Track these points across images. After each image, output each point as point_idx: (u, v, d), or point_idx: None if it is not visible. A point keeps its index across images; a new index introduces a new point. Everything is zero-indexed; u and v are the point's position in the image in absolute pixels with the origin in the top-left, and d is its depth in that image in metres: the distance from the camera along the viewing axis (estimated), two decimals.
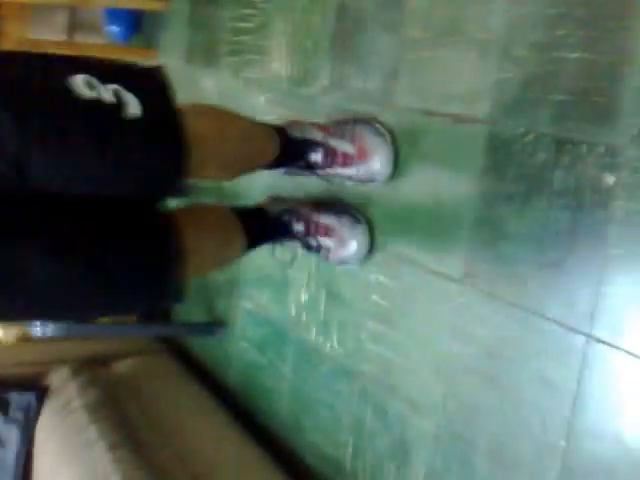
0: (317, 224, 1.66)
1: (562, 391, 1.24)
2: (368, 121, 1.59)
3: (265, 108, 2.02)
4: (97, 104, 1.12)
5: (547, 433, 1.26)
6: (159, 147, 1.19)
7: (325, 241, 1.66)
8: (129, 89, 1.16)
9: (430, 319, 1.50)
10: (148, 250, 1.27)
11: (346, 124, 1.60)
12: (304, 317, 1.88)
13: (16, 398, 2.12)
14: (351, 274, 1.71)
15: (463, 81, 1.40)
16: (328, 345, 1.78)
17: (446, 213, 1.46)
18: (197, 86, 2.41)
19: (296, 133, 1.58)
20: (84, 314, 1.51)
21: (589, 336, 1.20)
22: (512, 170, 1.31)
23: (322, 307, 1.81)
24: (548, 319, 1.26)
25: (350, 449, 1.73)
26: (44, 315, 1.52)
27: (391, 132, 1.56)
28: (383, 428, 1.62)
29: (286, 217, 1.68)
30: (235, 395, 2.19)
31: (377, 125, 1.58)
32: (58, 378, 2.16)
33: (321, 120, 1.66)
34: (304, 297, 1.88)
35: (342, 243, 1.65)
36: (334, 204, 1.71)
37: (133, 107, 1.15)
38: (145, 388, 2.15)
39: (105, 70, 1.20)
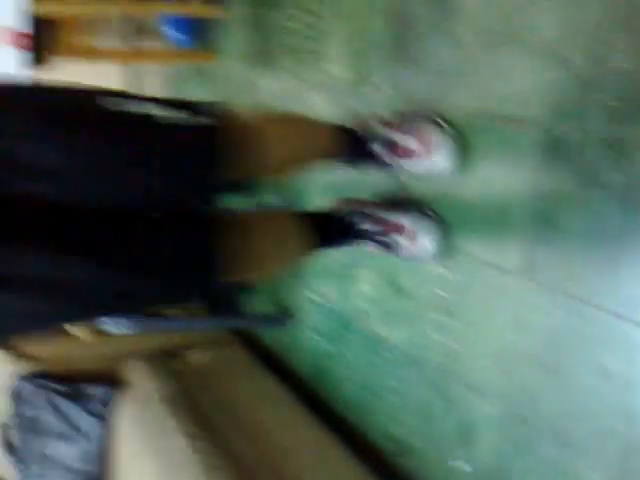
0: (387, 222, 1.71)
1: (616, 377, 1.30)
2: (430, 117, 1.64)
3: (323, 108, 2.10)
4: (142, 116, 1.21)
5: (606, 418, 1.32)
6: (202, 152, 1.26)
7: (397, 238, 1.70)
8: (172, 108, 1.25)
9: (491, 310, 1.57)
10: (195, 248, 1.31)
11: (408, 120, 1.65)
12: (368, 308, 1.96)
13: (95, 391, 2.23)
14: (413, 267, 1.78)
15: (517, 82, 1.46)
16: (393, 335, 1.86)
17: (504, 208, 1.52)
18: (257, 88, 2.50)
19: (358, 129, 1.63)
20: (134, 308, 1.60)
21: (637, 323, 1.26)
22: (566, 168, 1.36)
23: (385, 299, 1.89)
24: (601, 309, 1.32)
25: (417, 432, 1.81)
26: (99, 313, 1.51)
27: (453, 128, 1.61)
28: (449, 412, 1.70)
29: (355, 218, 1.72)
30: (305, 383, 2.28)
31: (439, 121, 1.63)
32: (134, 371, 2.27)
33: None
34: (368, 289, 1.95)
35: (414, 240, 1.69)
36: (401, 202, 1.77)
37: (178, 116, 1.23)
38: (218, 379, 2.24)
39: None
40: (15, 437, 2.38)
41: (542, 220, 1.43)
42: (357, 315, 2.00)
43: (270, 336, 2.50)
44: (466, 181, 1.61)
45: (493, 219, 1.55)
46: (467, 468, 1.67)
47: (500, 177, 1.52)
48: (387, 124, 1.64)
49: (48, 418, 2.25)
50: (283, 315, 2.38)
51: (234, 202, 2.15)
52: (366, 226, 1.70)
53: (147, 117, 1.21)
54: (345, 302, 2.05)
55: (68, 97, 1.21)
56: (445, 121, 1.62)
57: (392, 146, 1.62)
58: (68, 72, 2.81)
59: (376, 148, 1.63)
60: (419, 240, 1.67)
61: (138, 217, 1.25)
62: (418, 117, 1.65)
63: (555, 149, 1.38)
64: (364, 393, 2.01)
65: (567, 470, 1.41)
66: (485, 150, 1.56)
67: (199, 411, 2.01)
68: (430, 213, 1.70)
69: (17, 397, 2.35)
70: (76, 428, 2.19)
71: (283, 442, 1.95)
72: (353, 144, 1.62)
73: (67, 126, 1.14)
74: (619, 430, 1.30)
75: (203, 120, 1.27)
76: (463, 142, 1.59)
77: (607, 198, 1.29)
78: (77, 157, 1.14)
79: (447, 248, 1.67)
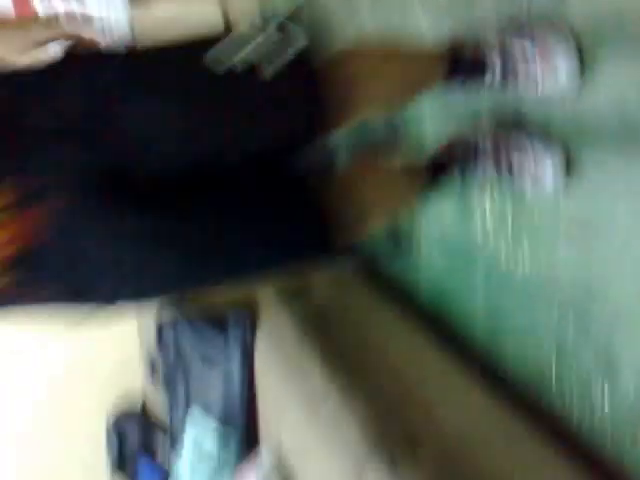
0: (507, 154, 1.60)
1: None
2: (549, 23, 1.50)
3: (427, 24, 1.96)
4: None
5: None
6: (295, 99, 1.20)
7: (516, 171, 1.61)
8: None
9: (626, 234, 1.46)
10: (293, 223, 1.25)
11: (524, 27, 1.52)
12: (492, 241, 1.87)
13: (233, 317, 2.29)
14: (537, 196, 1.67)
15: None
16: (520, 268, 1.78)
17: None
18: (355, 14, 2.36)
19: (466, 50, 1.52)
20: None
21: None
22: None
23: (509, 230, 1.79)
24: None
25: (554, 367, 1.73)
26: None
27: (573, 33, 1.47)
28: (586, 343, 1.62)
29: (471, 160, 1.64)
30: (428, 319, 2.22)
31: (560, 26, 1.49)
32: (265, 304, 2.34)
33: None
34: (490, 221, 1.86)
35: (537, 169, 1.58)
36: (519, 127, 1.63)
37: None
38: (345, 315, 2.26)
39: None
40: (160, 363, 2.53)
41: None
42: (479, 249, 1.92)
43: (390, 272, 2.43)
44: (591, 96, 1.47)
45: (625, 137, 1.41)
46: (605, 408, 1.60)
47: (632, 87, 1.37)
48: (498, 36, 1.52)
49: (191, 343, 2.36)
50: (400, 247, 2.30)
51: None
52: (484, 165, 1.62)
53: (243, 76, 1.15)
54: (466, 235, 1.96)
55: (167, 59, 1.17)
56: (566, 26, 1.47)
57: (506, 56, 1.49)
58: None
59: (491, 60, 1.51)
60: (543, 169, 1.56)
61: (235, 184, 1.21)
62: (535, 24, 1.51)
63: None
64: (493, 329, 1.95)
65: None
66: (612, 59, 1.41)
67: (331, 345, 2.04)
68: (551, 139, 1.57)
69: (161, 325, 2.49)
70: (217, 352, 2.26)
71: (414, 372, 1.95)
72: (464, 64, 1.51)
73: (163, 94, 1.13)
74: None
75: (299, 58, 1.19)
76: (587, 53, 1.45)
77: None
78: (173, 126, 1.12)
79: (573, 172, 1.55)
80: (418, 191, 1.59)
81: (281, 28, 1.21)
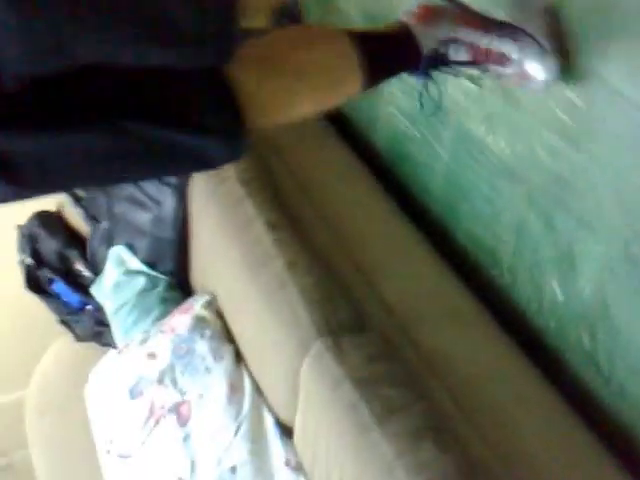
0: (488, 52, 1.43)
1: None
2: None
3: None
4: None
5: None
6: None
7: (499, 69, 1.45)
8: None
9: (616, 143, 1.40)
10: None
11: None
12: (470, 107, 1.75)
13: None
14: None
15: None
16: (493, 141, 1.70)
17: None
18: None
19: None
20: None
21: None
22: None
23: (495, 104, 1.68)
24: None
25: (511, 247, 1.72)
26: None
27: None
28: (549, 238, 1.60)
29: (443, 48, 1.41)
30: (384, 162, 2.16)
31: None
32: None
33: None
34: (474, 87, 1.73)
35: (523, 76, 1.45)
36: (510, 25, 1.45)
37: None
38: (300, 156, 2.10)
39: None
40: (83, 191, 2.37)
41: None
42: (454, 108, 1.79)
43: (348, 106, 2.26)
44: None
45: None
46: (560, 296, 1.60)
47: None
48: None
49: None
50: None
51: None
52: (458, 56, 1.42)
53: None
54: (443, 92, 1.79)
55: None
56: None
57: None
58: None
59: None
60: (531, 74, 1.43)
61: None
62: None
63: None
64: (452, 191, 1.89)
65: None
66: None
67: (277, 193, 1.91)
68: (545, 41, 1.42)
69: None
70: (148, 195, 2.12)
71: (363, 232, 1.89)
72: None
73: None
74: None
75: None
76: None
77: None
78: None
79: (576, 69, 1.43)
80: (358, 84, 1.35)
81: None
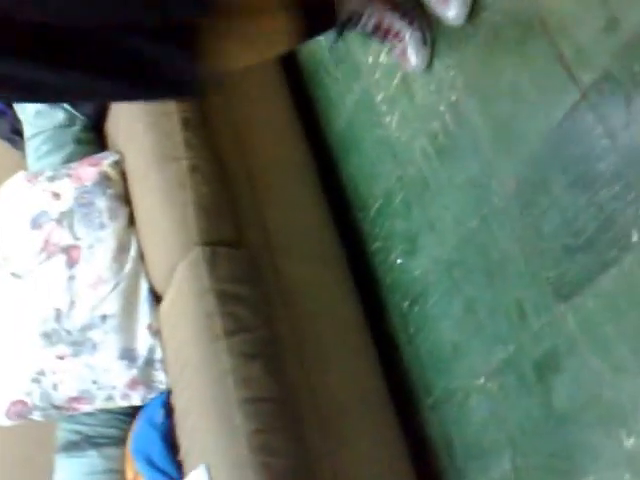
0: (388, 28, 1.74)
1: None
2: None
3: None
4: None
5: None
6: None
7: (392, 41, 1.77)
8: None
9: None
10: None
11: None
12: (380, 79, 1.99)
13: None
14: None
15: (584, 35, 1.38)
16: (389, 122, 1.96)
17: None
18: None
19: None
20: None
21: None
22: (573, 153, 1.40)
23: (398, 88, 1.93)
24: None
25: (376, 205, 2.05)
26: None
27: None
28: (404, 218, 1.95)
29: (356, 17, 1.71)
30: (306, 92, 2.38)
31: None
32: None
33: None
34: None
35: (404, 54, 1.77)
36: (411, 12, 1.75)
37: None
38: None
39: None
40: None
41: None
42: (369, 72, 2.03)
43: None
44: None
45: None
46: (399, 262, 1.96)
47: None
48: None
49: None
50: None
51: None
52: (366, 24, 1.72)
53: None
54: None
55: None
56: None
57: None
58: None
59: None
60: (409, 57, 1.78)
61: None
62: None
63: (578, 118, 1.40)
64: (348, 135, 2.18)
65: None
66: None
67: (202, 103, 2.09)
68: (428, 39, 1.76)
69: None
70: None
71: (267, 154, 2.13)
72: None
73: None
74: None
75: None
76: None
77: None
78: None
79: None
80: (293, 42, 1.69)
81: None
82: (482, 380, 1.77)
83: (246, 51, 1.55)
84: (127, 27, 1.37)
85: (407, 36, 1.74)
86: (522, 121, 1.54)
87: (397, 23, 1.74)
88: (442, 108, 1.75)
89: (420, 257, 1.88)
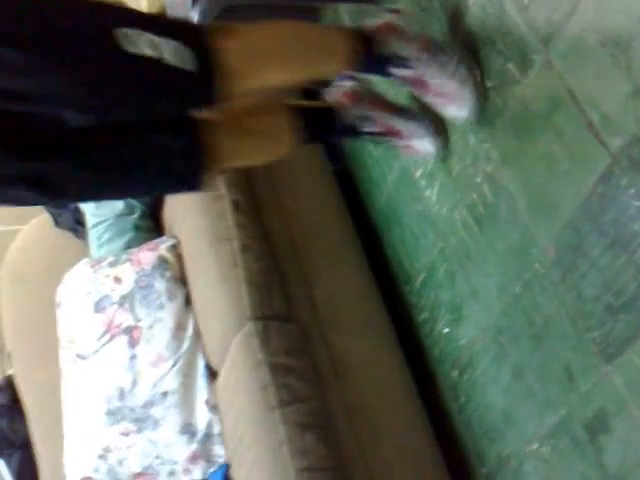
0: (392, 129, 1.83)
1: None
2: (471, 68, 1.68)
3: None
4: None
5: None
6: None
7: (397, 142, 1.87)
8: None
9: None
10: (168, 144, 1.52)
11: (449, 56, 1.68)
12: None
13: None
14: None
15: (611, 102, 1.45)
16: (429, 195, 2.04)
17: None
18: None
19: (383, 47, 1.63)
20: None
21: None
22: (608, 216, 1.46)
23: (436, 164, 2.00)
24: None
25: (421, 277, 2.12)
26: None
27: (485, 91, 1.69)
28: (448, 289, 2.01)
29: (359, 122, 1.82)
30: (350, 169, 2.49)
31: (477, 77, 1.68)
32: None
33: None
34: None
35: (409, 148, 1.89)
36: (408, 111, 1.87)
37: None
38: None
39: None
40: None
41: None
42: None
43: None
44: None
45: None
46: (446, 332, 2.03)
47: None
48: (423, 47, 1.66)
49: None
50: None
51: None
52: (369, 128, 1.83)
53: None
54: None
55: (79, 22, 1.32)
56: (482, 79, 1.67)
57: (418, 80, 1.68)
58: None
59: (398, 72, 1.66)
60: (414, 145, 1.86)
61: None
62: (461, 59, 1.68)
63: (611, 184, 1.45)
64: (389, 211, 2.26)
65: None
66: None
67: (249, 183, 2.22)
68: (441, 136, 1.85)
69: None
70: None
71: (312, 231, 2.24)
72: (371, 61, 1.64)
73: (64, 62, 1.29)
74: None
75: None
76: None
77: None
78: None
79: None
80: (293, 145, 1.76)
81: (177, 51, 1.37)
82: (535, 445, 1.78)
83: (245, 145, 1.67)
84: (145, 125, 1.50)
85: (406, 132, 1.84)
86: (557, 188, 1.60)
87: (397, 123, 1.83)
88: (479, 179, 1.82)
89: (466, 326, 1.93)
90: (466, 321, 1.93)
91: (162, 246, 2.32)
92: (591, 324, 1.57)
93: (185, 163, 1.54)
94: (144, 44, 1.31)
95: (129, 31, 1.31)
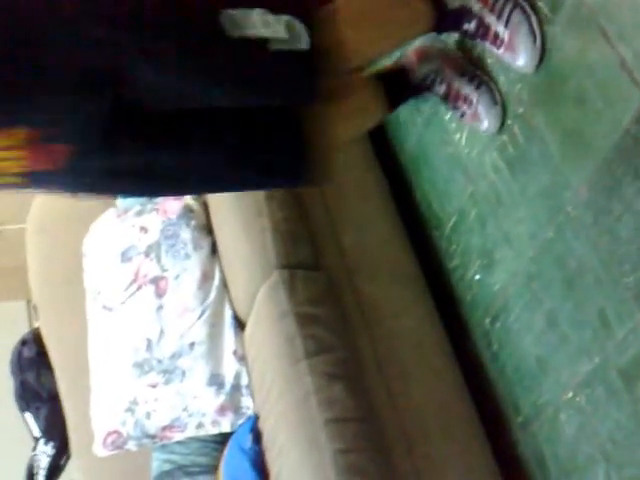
0: (458, 92, 1.78)
1: None
2: (526, 12, 1.59)
3: None
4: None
5: None
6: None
7: (462, 107, 1.80)
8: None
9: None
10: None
11: (506, 5, 1.59)
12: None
13: None
14: None
15: None
16: (459, 138, 1.96)
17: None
18: None
19: (453, 2, 1.60)
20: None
21: None
22: None
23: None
24: None
25: (451, 222, 2.06)
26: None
27: (543, 34, 1.58)
28: (479, 235, 1.94)
29: (430, 79, 1.79)
30: None
31: (533, 21, 1.58)
32: None
33: None
34: None
35: (475, 117, 1.80)
36: (479, 76, 1.79)
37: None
38: None
39: None
40: None
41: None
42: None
43: None
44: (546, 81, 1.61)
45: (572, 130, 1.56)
46: (477, 278, 1.96)
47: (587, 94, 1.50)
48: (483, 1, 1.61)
49: None
50: None
51: None
52: (438, 88, 1.79)
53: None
54: None
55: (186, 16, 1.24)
56: (539, 22, 1.58)
57: (482, 25, 1.61)
58: None
59: (466, 25, 1.63)
60: (480, 121, 1.79)
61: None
62: (515, 5, 1.59)
63: None
64: (420, 154, 2.19)
65: None
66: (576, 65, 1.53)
67: None
68: (499, 100, 1.76)
69: None
70: None
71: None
72: (445, 18, 1.61)
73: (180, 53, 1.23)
74: None
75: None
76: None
77: None
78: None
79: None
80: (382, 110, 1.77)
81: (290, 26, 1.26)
82: (570, 394, 1.73)
83: (344, 127, 1.64)
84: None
85: (475, 99, 1.76)
86: (589, 128, 1.53)
87: (465, 87, 1.78)
88: (509, 121, 1.75)
89: (498, 272, 1.87)
90: (498, 267, 1.87)
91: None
92: (625, 269, 1.51)
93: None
94: (252, 25, 1.23)
95: (235, 12, 1.23)
